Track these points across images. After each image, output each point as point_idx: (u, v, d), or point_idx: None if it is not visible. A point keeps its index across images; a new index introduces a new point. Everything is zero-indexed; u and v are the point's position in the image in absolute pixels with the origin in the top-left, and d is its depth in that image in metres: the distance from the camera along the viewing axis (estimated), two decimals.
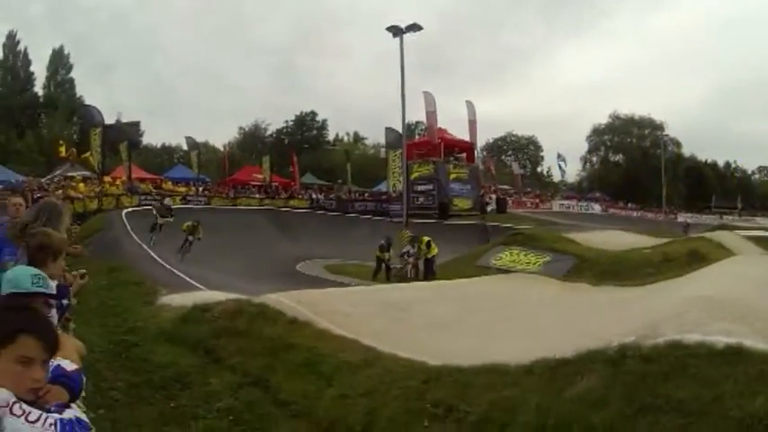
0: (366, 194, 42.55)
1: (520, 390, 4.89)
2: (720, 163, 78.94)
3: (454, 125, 40.71)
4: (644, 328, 5.08)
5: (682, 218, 54.15)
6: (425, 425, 5.15)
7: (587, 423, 4.16)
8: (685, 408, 3.92)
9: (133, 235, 19.74)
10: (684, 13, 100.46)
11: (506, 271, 15.78)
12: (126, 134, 35.68)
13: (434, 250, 18.83)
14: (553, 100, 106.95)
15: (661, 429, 3.88)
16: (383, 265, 19.91)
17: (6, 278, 2.70)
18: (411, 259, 19.23)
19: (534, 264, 16.44)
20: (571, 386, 4.66)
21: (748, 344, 4.30)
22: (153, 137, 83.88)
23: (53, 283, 2.83)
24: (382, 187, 41.10)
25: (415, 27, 24.75)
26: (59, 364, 2.20)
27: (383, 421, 5.43)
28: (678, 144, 71.89)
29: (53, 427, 1.86)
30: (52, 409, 1.97)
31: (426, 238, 19.11)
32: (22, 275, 2.68)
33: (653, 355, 4.49)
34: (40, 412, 1.86)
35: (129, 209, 26.30)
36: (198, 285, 13.26)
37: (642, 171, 67.61)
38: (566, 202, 50.92)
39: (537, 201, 48.24)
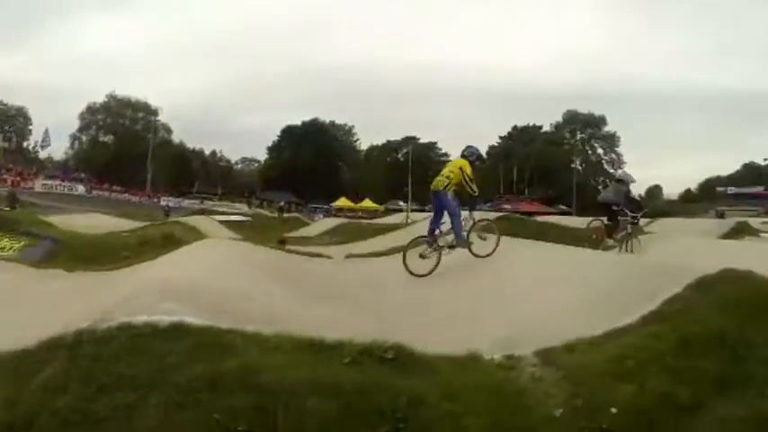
0: None
1: None
2: (207, 151, 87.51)
3: None
4: (102, 312, 5.52)
5: (164, 201, 57.71)
6: None
7: (53, 409, 4.31)
8: (137, 382, 4.50)
9: None
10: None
11: None
12: None
13: None
14: (55, 71, 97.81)
15: (119, 404, 4.36)
16: None
17: None
18: None
19: (9, 249, 15.42)
20: (37, 376, 4.74)
21: (189, 320, 5.21)
22: None
23: None
24: None
25: None
26: None
27: None
28: (169, 130, 76.26)
29: None
30: None
31: None
32: None
33: (107, 337, 4.96)
34: None
35: None
36: None
37: (131, 154, 69.27)
38: (49, 182, 48.07)
39: (18, 179, 43.98)
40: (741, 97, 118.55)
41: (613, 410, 4.45)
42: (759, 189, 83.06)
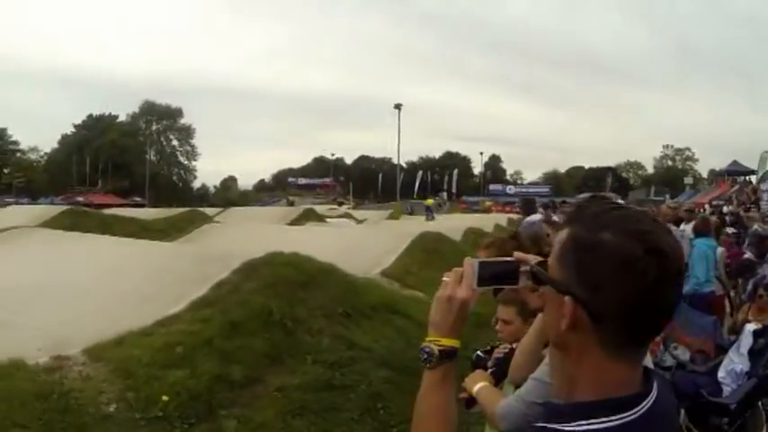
0: None
1: None
2: None
3: None
4: None
5: None
6: None
7: None
8: None
9: None
10: None
11: None
12: None
13: None
14: None
15: None
16: None
17: None
18: None
19: None
20: None
21: None
22: None
23: None
24: None
25: None
26: None
27: None
28: None
29: None
30: None
31: None
32: None
33: None
34: None
35: None
36: None
37: None
38: None
39: None
40: (314, 100, 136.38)
41: (165, 398, 4.87)
42: (327, 180, 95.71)
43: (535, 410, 1.90)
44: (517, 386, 2.31)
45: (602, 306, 0.98)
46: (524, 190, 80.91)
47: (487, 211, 52.01)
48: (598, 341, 1.00)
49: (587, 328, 1.00)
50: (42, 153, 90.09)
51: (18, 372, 4.77)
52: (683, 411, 5.10)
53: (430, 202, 43.18)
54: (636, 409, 0.99)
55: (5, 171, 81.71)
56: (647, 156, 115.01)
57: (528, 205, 10.67)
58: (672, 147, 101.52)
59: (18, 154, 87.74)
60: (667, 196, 57.66)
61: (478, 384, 2.50)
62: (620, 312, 0.97)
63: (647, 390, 1.03)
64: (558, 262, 1.06)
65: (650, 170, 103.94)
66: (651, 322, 1.02)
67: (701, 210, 24.23)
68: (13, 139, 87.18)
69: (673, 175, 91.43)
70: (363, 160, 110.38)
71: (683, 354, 5.78)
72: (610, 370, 1.01)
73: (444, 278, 1.36)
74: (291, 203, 53.02)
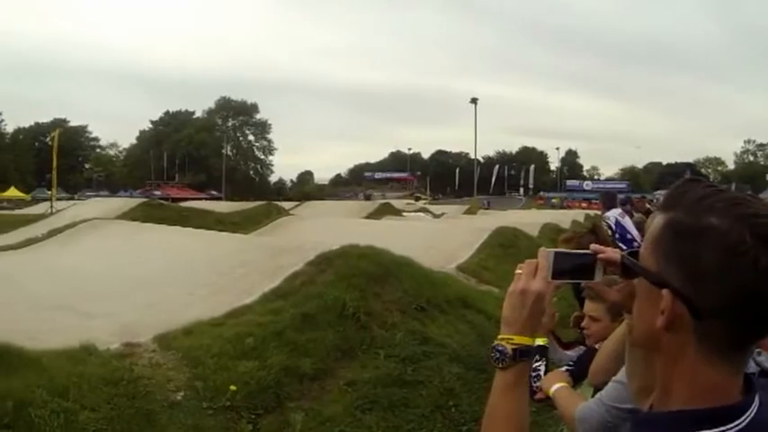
0: None
1: None
2: None
3: None
4: None
5: None
6: None
7: None
8: None
9: None
10: None
11: None
12: None
13: None
14: None
15: None
16: None
17: None
18: None
19: None
20: None
21: None
22: None
23: None
24: None
25: None
26: None
27: None
28: None
29: None
30: None
31: None
32: None
33: None
34: None
35: None
36: None
37: None
38: None
39: None
40: (391, 96, 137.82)
41: (233, 388, 4.90)
42: (404, 174, 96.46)
43: (615, 415, 1.86)
44: (596, 389, 2.21)
45: (705, 301, 0.88)
46: (601, 185, 79.82)
47: (561, 207, 52.44)
48: (697, 342, 0.91)
49: (686, 327, 0.91)
50: (121, 148, 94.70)
51: (90, 357, 4.90)
52: None
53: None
54: (738, 422, 0.89)
55: (86, 166, 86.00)
56: (727, 151, 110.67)
57: (609, 199, 10.23)
58: (754, 142, 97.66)
59: (98, 150, 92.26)
60: (748, 193, 56.04)
61: (556, 385, 2.40)
62: (725, 308, 0.87)
63: (749, 400, 0.93)
64: (653, 252, 0.96)
65: (731, 166, 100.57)
66: (760, 321, 0.90)
67: None
68: (94, 135, 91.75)
69: (754, 171, 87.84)
70: (440, 155, 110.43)
71: (767, 360, 5.40)
72: (708, 375, 0.91)
73: (517, 270, 1.26)
74: (368, 197, 53.54)
